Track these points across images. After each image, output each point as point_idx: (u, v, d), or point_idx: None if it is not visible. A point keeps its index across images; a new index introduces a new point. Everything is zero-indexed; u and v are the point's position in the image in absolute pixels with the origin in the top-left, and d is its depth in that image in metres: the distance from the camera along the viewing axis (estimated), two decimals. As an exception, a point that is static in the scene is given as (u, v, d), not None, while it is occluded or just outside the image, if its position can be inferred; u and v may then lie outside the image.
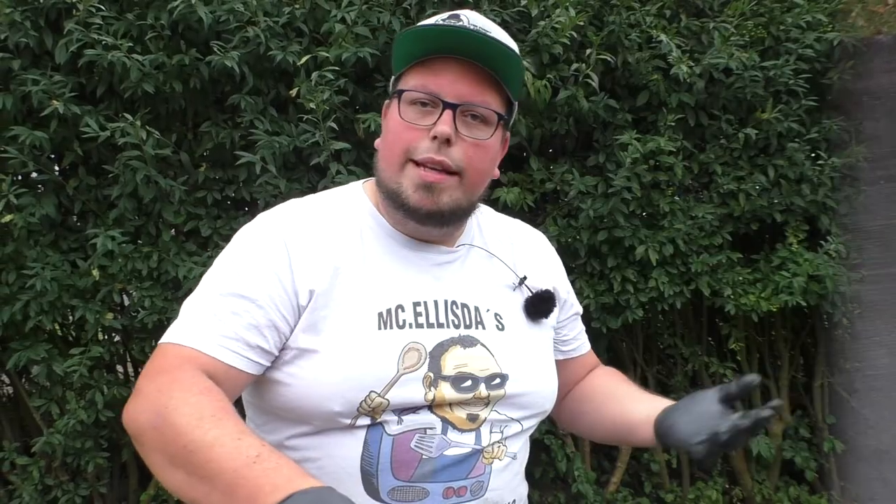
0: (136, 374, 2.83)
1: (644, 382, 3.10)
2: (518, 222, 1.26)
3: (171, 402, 0.82)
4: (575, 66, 2.52)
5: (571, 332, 1.27)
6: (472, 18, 1.01)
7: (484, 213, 1.20)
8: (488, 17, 2.58)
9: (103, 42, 2.18)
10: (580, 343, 1.30)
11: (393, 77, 1.07)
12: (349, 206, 1.09)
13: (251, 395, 1.05)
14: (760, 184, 2.74)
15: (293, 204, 1.09)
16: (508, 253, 1.16)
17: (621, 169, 2.57)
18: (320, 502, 0.67)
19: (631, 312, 2.69)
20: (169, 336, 0.95)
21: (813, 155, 2.77)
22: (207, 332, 0.93)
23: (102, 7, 2.24)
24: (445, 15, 1.03)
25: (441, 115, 0.97)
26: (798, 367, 3.33)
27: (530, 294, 1.13)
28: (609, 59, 2.54)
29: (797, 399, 3.29)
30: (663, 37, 2.56)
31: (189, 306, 0.98)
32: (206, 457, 0.76)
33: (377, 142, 1.09)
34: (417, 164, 0.99)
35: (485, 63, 0.98)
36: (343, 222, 1.06)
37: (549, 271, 1.21)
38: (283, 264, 0.98)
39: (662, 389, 3.17)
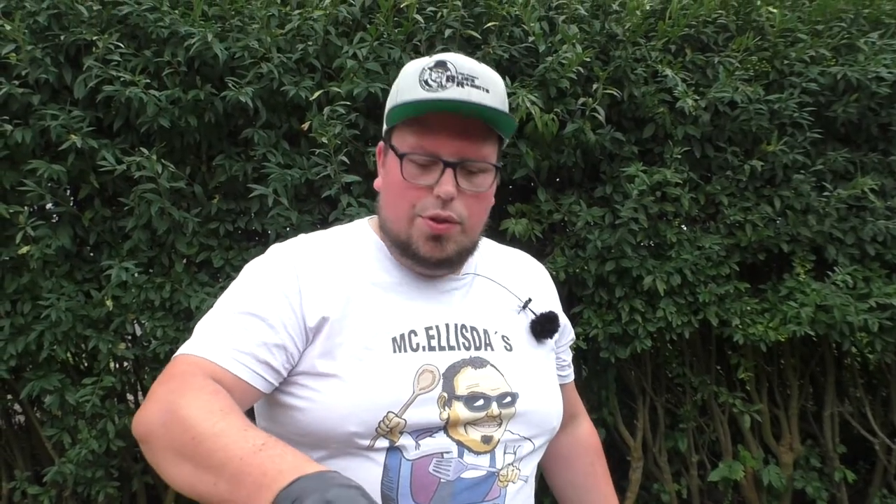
0: (148, 403, 2.84)
1: (653, 412, 3.10)
2: (518, 252, 1.32)
3: (182, 401, 0.85)
4: (582, 99, 2.57)
5: (567, 356, 1.34)
6: (458, 65, 1.03)
7: (485, 244, 1.25)
8: (497, 53, 2.64)
9: (121, 78, 2.24)
10: (571, 369, 1.37)
11: (386, 125, 1.11)
12: (357, 239, 1.14)
13: (268, 421, 1.08)
14: (767, 214, 2.76)
15: (303, 238, 1.14)
16: (511, 279, 1.21)
17: (628, 200, 2.59)
18: (325, 485, 0.67)
19: (639, 342, 2.69)
20: (182, 349, 0.98)
21: (818, 186, 2.79)
22: (219, 344, 0.97)
23: (121, 44, 2.30)
24: (432, 62, 1.04)
25: (442, 174, 1.02)
26: (808, 396, 3.32)
27: (535, 316, 1.18)
28: (615, 92, 2.59)
29: (807, 429, 3.28)
30: (668, 71, 2.61)
31: (202, 324, 1.02)
32: (212, 446, 0.77)
33: (377, 183, 1.13)
34: (423, 216, 1.04)
35: (478, 116, 1.03)
36: (352, 254, 1.11)
37: (548, 297, 1.27)
38: (293, 290, 1.03)
39: (672, 418, 3.16)
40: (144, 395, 2.83)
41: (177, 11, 2.36)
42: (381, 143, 1.12)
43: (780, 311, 2.75)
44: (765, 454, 3.15)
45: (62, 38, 2.30)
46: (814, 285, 2.74)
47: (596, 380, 2.96)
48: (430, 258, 1.05)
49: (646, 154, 2.77)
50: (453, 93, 1.01)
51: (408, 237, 1.05)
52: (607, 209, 2.68)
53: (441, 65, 1.03)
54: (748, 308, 2.78)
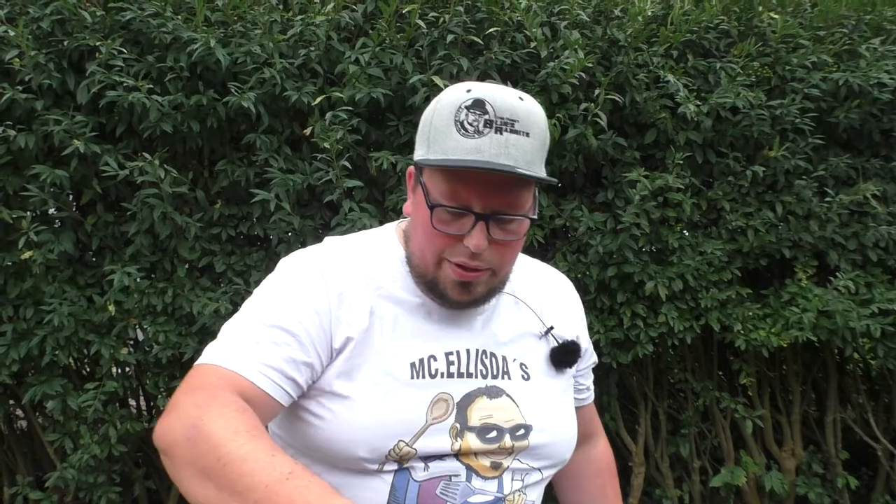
0: (150, 408, 2.85)
1: (655, 417, 3.09)
2: (546, 267, 1.28)
3: (208, 416, 0.83)
4: (584, 105, 2.57)
5: (587, 380, 1.31)
6: (497, 107, 0.95)
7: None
8: (499, 59, 2.63)
9: (124, 83, 2.24)
10: (591, 391, 1.33)
11: (417, 152, 1.04)
12: (384, 253, 1.10)
13: (280, 428, 1.07)
14: (768, 220, 2.76)
15: (333, 246, 1.10)
16: (536, 300, 1.17)
17: (630, 205, 2.60)
18: None
19: (641, 347, 2.69)
20: (208, 357, 0.96)
21: (820, 192, 2.79)
22: (249, 357, 0.94)
23: (124, 49, 2.31)
24: (469, 100, 0.96)
25: (474, 227, 0.96)
26: (810, 402, 3.31)
27: (556, 344, 1.14)
28: (617, 98, 2.59)
29: (809, 434, 3.27)
30: (670, 77, 2.61)
31: (230, 331, 0.99)
32: (238, 470, 0.76)
33: (407, 209, 1.08)
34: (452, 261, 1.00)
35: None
36: (378, 269, 1.07)
37: (574, 320, 1.22)
38: (325, 307, 1.00)
39: (674, 424, 3.16)
40: (147, 400, 2.84)
41: (179, 17, 2.36)
42: (411, 168, 1.06)
43: (782, 316, 2.74)
44: (767, 460, 3.14)
45: (65, 43, 2.32)
46: (816, 291, 2.74)
47: (598, 385, 2.93)
48: (458, 302, 1.02)
49: (647, 159, 2.77)
50: (490, 144, 0.93)
51: (434, 278, 1.02)
52: (609, 214, 2.68)
53: (479, 105, 0.95)
54: (750, 313, 2.78)
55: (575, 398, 1.25)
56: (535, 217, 1.03)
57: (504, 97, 0.96)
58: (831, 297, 2.70)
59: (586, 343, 1.24)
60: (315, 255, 1.08)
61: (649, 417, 3.07)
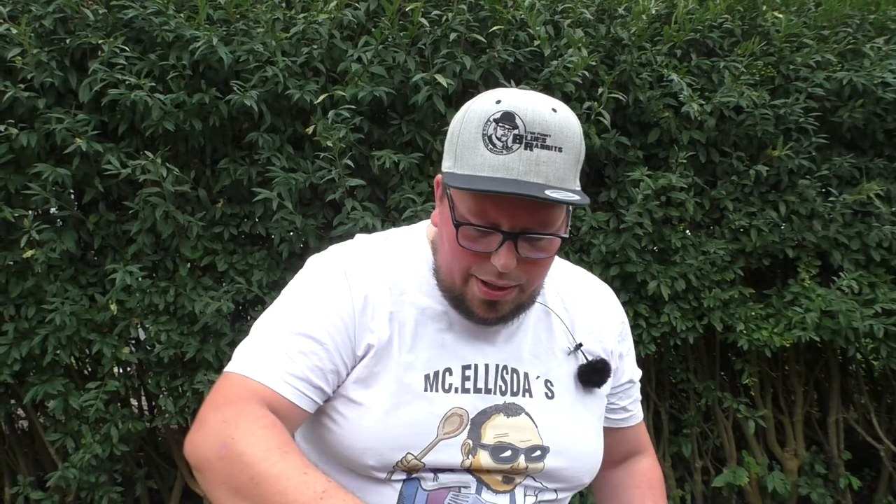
0: (151, 408, 2.84)
1: (657, 417, 3.09)
2: (585, 276, 1.21)
3: (238, 433, 0.83)
4: (587, 103, 2.56)
5: (622, 400, 1.21)
6: (528, 121, 0.89)
7: (554, 265, 1.12)
8: (502, 57, 2.62)
9: (126, 82, 2.24)
10: (630, 414, 1.24)
11: (445, 163, 0.99)
12: (412, 256, 1.07)
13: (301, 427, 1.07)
14: (772, 219, 2.75)
15: (361, 247, 1.08)
16: (569, 312, 1.12)
17: (633, 205, 2.59)
18: None
19: (643, 347, 2.68)
20: (236, 366, 0.95)
21: (824, 191, 2.78)
22: (276, 368, 0.94)
23: (126, 48, 2.30)
24: (499, 113, 0.90)
25: (501, 245, 0.91)
26: (812, 402, 3.31)
27: (585, 362, 1.09)
28: (620, 97, 2.58)
29: (812, 435, 3.27)
30: (674, 76, 2.60)
31: (258, 337, 0.99)
32: (271, 489, 0.77)
33: (434, 218, 1.05)
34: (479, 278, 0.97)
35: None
36: (405, 274, 1.05)
37: (610, 335, 1.15)
38: (350, 314, 0.99)
39: (676, 424, 3.15)
40: (148, 399, 2.83)
41: (182, 15, 2.36)
42: (439, 177, 1.02)
43: (784, 316, 2.74)
44: (769, 460, 3.13)
45: (68, 41, 2.31)
46: (819, 291, 2.73)
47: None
48: (484, 319, 0.99)
49: (651, 159, 2.77)
50: (519, 161, 0.88)
51: (461, 294, 0.99)
52: (612, 214, 2.68)
53: (508, 118, 0.89)
54: (753, 313, 2.77)
55: (610, 418, 1.19)
56: (567, 236, 0.97)
57: (535, 109, 0.89)
58: (834, 297, 2.70)
59: (620, 360, 1.16)
60: (341, 256, 1.06)
61: (651, 417, 3.06)
